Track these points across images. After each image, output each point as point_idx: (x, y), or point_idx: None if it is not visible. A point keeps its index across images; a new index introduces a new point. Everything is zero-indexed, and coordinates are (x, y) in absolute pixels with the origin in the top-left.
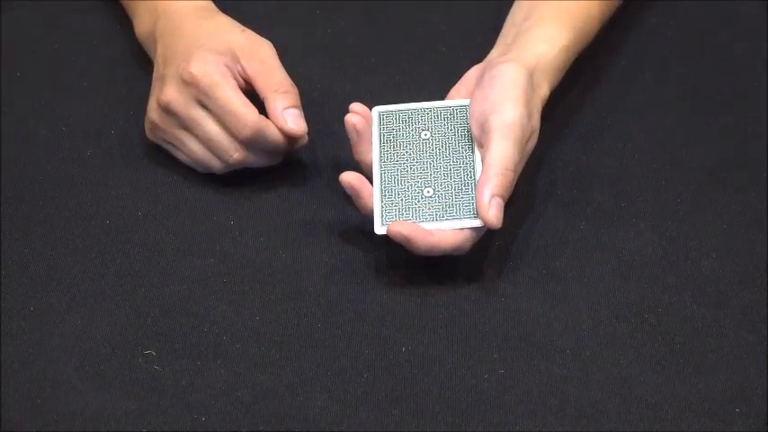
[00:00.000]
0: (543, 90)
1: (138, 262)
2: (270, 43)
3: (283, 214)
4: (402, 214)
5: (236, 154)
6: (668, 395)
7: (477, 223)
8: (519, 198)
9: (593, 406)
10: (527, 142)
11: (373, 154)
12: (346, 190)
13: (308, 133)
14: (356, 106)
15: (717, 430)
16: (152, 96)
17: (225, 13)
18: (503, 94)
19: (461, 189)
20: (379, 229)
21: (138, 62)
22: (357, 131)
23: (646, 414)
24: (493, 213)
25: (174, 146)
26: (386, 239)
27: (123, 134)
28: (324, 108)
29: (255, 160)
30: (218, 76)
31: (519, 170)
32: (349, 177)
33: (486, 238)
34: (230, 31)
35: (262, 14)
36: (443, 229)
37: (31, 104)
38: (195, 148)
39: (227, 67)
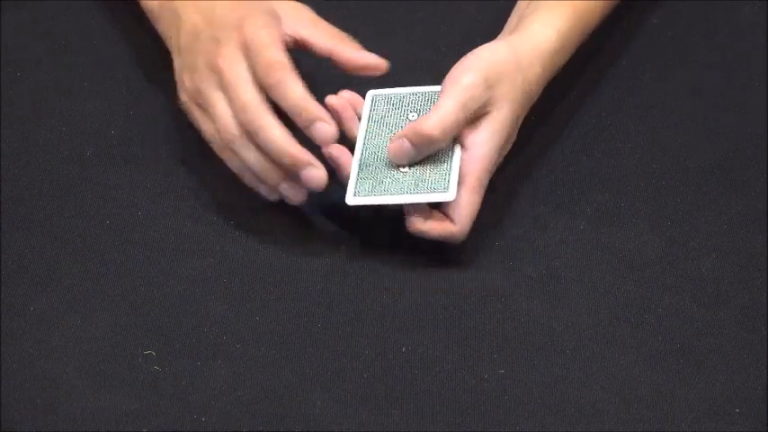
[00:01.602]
0: (535, 69)
1: (138, 262)
2: (300, 4)
3: (283, 214)
4: (375, 188)
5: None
6: (668, 395)
7: (446, 197)
8: (519, 198)
9: (593, 406)
10: (477, 109)
11: (359, 132)
12: (327, 161)
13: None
14: (344, 92)
15: (717, 430)
16: (199, 55)
17: None
18: (466, 64)
19: (436, 166)
20: (351, 200)
21: (138, 62)
22: (334, 109)
23: (646, 414)
24: (393, 146)
25: (202, 109)
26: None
27: (123, 134)
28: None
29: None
30: (265, 33)
31: (456, 130)
32: (331, 148)
33: (486, 237)
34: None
35: None
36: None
37: (31, 104)
38: (224, 112)
39: (279, 36)
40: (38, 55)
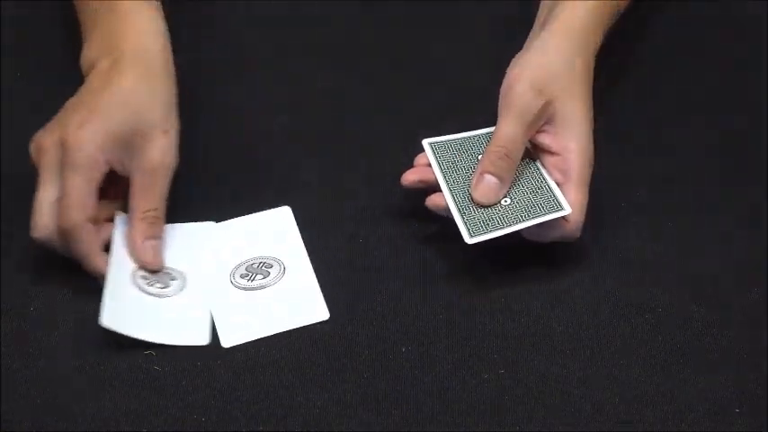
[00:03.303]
0: (579, 53)
1: None
2: (174, 160)
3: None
4: (487, 224)
5: (36, 233)
6: (668, 395)
7: (563, 213)
8: None
9: (593, 406)
10: (535, 116)
11: (439, 181)
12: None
13: (309, 134)
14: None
15: (717, 430)
16: (47, 126)
17: (224, 15)
18: (512, 75)
19: (537, 191)
20: (470, 240)
21: None
22: (421, 181)
23: (646, 414)
24: (478, 188)
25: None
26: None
27: None
28: (323, 108)
29: (57, 246)
30: (85, 159)
31: (520, 145)
32: (436, 200)
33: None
34: (152, 119)
35: (262, 14)
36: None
37: (32, 104)
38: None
39: (110, 157)
40: (38, 55)
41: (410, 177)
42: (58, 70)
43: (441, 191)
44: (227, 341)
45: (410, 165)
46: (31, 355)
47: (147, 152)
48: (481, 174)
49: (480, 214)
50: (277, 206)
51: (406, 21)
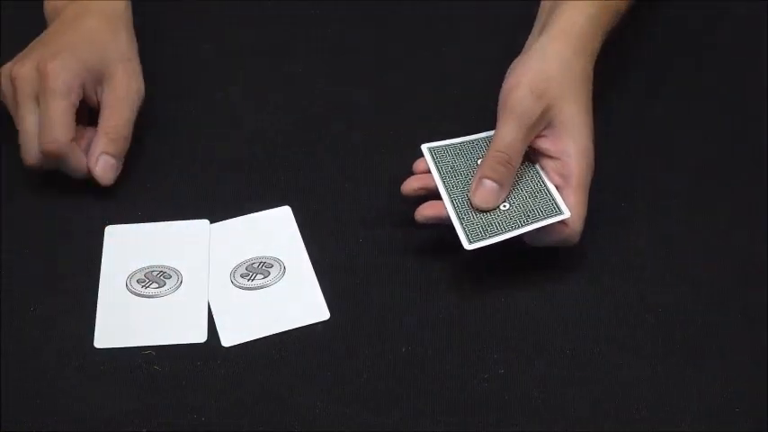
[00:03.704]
0: (578, 58)
1: None
2: (141, 86)
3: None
4: (486, 230)
5: (29, 158)
6: (668, 395)
7: (563, 217)
8: None
9: (594, 406)
10: (534, 121)
11: (438, 187)
12: (428, 222)
13: (310, 134)
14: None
15: (717, 430)
16: (17, 59)
17: (224, 14)
18: (511, 81)
19: (536, 195)
20: (468, 246)
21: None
22: (423, 188)
23: (646, 414)
24: (477, 194)
25: (9, 108)
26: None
27: None
28: (323, 108)
29: (53, 167)
30: (62, 85)
31: (520, 150)
32: (425, 212)
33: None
34: (116, 51)
35: (262, 14)
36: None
37: None
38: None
39: (84, 82)
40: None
41: (411, 185)
42: None
43: (439, 197)
44: (227, 340)
45: (409, 165)
46: (31, 355)
47: (113, 79)
48: (480, 179)
49: (479, 219)
50: (277, 206)
51: (406, 22)
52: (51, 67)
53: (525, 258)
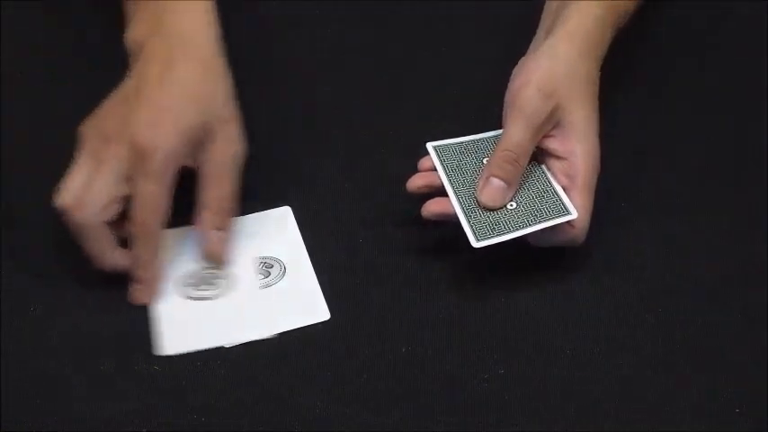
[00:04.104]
0: (585, 59)
1: None
2: (243, 149)
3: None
4: (494, 229)
5: (60, 203)
6: (668, 395)
7: (570, 217)
8: None
9: (593, 406)
10: (543, 121)
11: (444, 184)
12: (434, 218)
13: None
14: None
15: (717, 430)
16: (101, 124)
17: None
18: (518, 81)
19: (542, 195)
20: (476, 244)
21: None
22: (428, 186)
23: (646, 414)
24: (484, 192)
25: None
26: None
27: None
28: (324, 108)
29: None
30: (161, 167)
31: (528, 149)
32: (432, 208)
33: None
34: (217, 109)
35: (262, 14)
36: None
37: (31, 104)
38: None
39: (183, 158)
40: (38, 55)
41: (416, 182)
42: (59, 70)
43: (445, 195)
44: (227, 341)
45: (409, 165)
46: (31, 355)
47: (215, 143)
48: (488, 177)
49: (486, 218)
50: (277, 206)
51: (406, 22)
52: (151, 147)
53: (525, 258)
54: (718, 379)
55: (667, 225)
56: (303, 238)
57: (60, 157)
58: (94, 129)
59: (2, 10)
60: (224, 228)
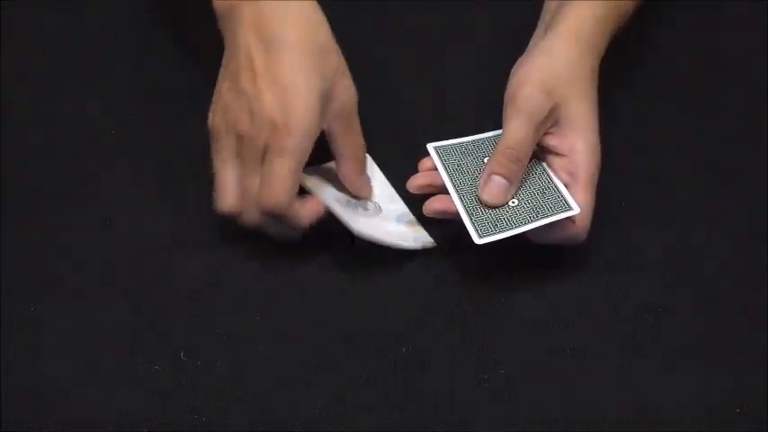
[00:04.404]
0: (585, 57)
1: (138, 262)
2: (354, 89)
3: None
4: (496, 225)
5: (249, 220)
6: (668, 395)
7: (572, 213)
8: None
9: (594, 406)
10: (544, 118)
11: (446, 183)
12: (436, 216)
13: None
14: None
15: (717, 430)
16: (228, 98)
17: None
18: (518, 79)
19: (544, 191)
20: (479, 240)
21: (137, 62)
22: (430, 185)
23: (646, 414)
24: (486, 189)
25: (221, 146)
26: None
27: (123, 134)
28: None
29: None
30: (299, 143)
31: (529, 146)
32: (434, 206)
33: None
34: (336, 62)
35: None
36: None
37: (31, 104)
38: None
39: (318, 126)
40: (38, 55)
41: (417, 182)
42: (59, 70)
43: (446, 193)
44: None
45: (409, 165)
46: (31, 355)
47: (336, 100)
48: (489, 175)
49: (488, 215)
50: None
51: (406, 22)
52: (292, 128)
53: (526, 258)
54: (718, 379)
55: (667, 225)
56: (302, 239)
57: (60, 157)
58: (225, 123)
59: (2, 10)
60: (364, 172)
